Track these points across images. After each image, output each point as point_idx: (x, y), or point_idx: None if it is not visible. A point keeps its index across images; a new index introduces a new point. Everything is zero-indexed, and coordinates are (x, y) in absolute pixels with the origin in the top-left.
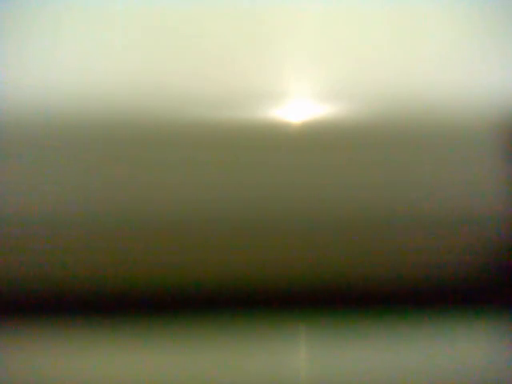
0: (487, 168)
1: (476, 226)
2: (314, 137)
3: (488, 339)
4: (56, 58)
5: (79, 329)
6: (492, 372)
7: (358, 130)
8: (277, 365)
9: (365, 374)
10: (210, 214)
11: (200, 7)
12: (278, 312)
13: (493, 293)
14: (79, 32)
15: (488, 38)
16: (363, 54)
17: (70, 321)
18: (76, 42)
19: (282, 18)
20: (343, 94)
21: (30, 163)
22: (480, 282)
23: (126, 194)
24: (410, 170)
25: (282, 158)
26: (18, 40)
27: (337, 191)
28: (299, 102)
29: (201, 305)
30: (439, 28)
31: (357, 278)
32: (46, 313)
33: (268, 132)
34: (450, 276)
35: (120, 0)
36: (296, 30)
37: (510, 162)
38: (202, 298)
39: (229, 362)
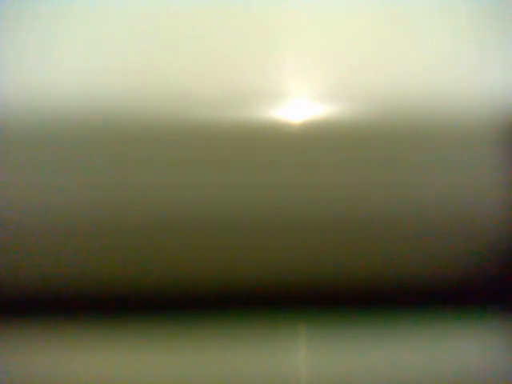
0: (487, 168)
1: (476, 226)
2: (314, 137)
3: (488, 339)
4: (56, 58)
5: (79, 329)
6: (492, 372)
7: (357, 130)
8: (277, 365)
9: (365, 374)
10: (209, 214)
11: (200, 7)
12: (277, 312)
13: (493, 293)
14: (79, 32)
15: (488, 38)
16: (363, 54)
17: (70, 321)
18: (76, 41)
19: (283, 18)
20: (343, 94)
21: (29, 163)
22: (480, 282)
23: (126, 193)
24: (410, 169)
25: (282, 157)
26: (18, 40)
27: (337, 191)
28: (299, 102)
29: (201, 305)
30: (439, 28)
31: (357, 277)
32: (46, 313)
33: (268, 132)
34: (450, 276)
35: (120, 0)
36: (296, 30)
37: (510, 162)
38: (202, 297)
39: (229, 362)
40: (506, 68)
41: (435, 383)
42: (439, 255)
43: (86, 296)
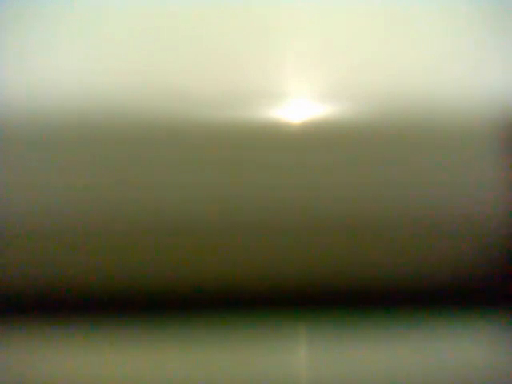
0: (487, 168)
1: (476, 226)
2: (314, 137)
3: (488, 339)
4: (56, 58)
5: (79, 329)
6: (492, 372)
7: (357, 130)
8: (277, 365)
9: (365, 374)
10: (209, 214)
11: (200, 7)
12: (277, 312)
13: (493, 293)
14: (79, 32)
15: (488, 38)
16: (363, 54)
17: (71, 321)
18: (76, 41)
19: (283, 18)
20: (343, 94)
21: (29, 163)
22: (480, 283)
23: (126, 193)
24: (410, 169)
25: (282, 158)
26: (18, 40)
27: (336, 191)
28: (299, 102)
29: (201, 305)
30: (439, 28)
31: (357, 278)
32: (46, 313)
33: (268, 132)
34: (451, 276)
35: (120, 0)
36: (296, 30)
37: (510, 162)
38: (202, 297)
39: (228, 362)
40: (506, 68)
41: (436, 383)
42: (439, 255)
43: (86, 296)
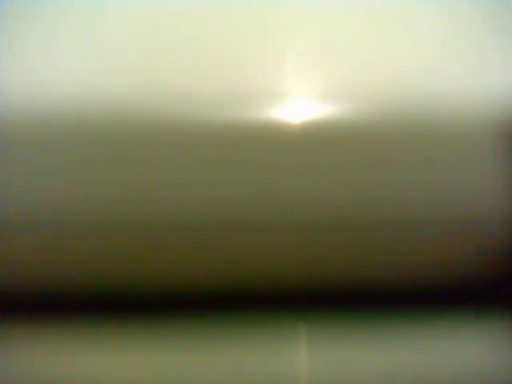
0: (487, 167)
1: (476, 226)
2: (314, 137)
3: (488, 339)
4: (56, 58)
5: (79, 329)
6: (492, 372)
7: (357, 130)
8: (277, 365)
9: (365, 374)
10: (209, 214)
11: (200, 7)
12: (278, 312)
13: (493, 293)
14: (79, 32)
15: (488, 38)
16: (363, 54)
17: (70, 321)
18: (76, 41)
19: (283, 18)
20: (343, 94)
21: (29, 163)
22: (480, 282)
23: (126, 193)
24: (410, 169)
25: (282, 158)
26: (18, 40)
27: (336, 191)
28: (299, 102)
29: (201, 304)
30: (439, 28)
31: (357, 277)
32: (46, 313)
33: (268, 132)
34: (451, 276)
35: (120, 0)
36: (296, 30)
37: (510, 162)
38: (202, 297)
39: (229, 362)
40: (506, 68)
41: (436, 383)
42: (439, 255)
43: (86, 296)
